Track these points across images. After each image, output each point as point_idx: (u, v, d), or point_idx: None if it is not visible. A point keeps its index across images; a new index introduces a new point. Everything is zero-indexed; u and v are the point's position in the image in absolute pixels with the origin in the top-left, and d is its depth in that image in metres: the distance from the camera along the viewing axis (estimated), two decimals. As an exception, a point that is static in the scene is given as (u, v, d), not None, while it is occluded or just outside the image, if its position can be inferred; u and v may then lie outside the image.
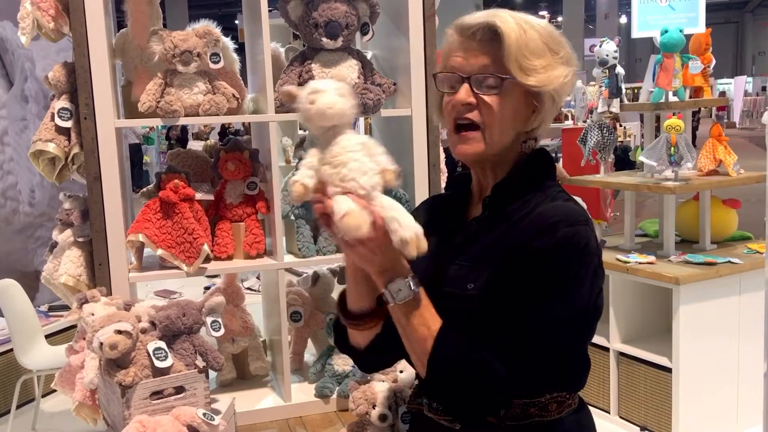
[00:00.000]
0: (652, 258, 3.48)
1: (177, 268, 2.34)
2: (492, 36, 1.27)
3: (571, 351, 1.31)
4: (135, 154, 11.78)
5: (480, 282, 1.26)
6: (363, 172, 1.21)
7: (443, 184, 2.52)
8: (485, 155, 1.32)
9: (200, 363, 2.06)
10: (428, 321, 1.24)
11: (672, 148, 3.44)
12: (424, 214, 1.48)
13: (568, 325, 1.26)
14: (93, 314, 2.05)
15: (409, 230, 1.17)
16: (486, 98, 1.28)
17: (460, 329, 1.25)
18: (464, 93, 1.28)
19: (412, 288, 1.22)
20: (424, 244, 1.17)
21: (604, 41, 4.08)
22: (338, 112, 1.24)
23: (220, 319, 2.25)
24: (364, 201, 1.19)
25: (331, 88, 1.26)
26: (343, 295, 1.38)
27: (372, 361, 1.45)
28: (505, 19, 1.26)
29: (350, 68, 2.45)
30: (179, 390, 1.94)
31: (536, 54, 1.26)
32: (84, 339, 2.08)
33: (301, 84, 2.43)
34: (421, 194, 2.48)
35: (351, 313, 1.34)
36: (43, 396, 3.83)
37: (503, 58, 1.26)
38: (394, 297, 1.22)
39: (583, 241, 1.24)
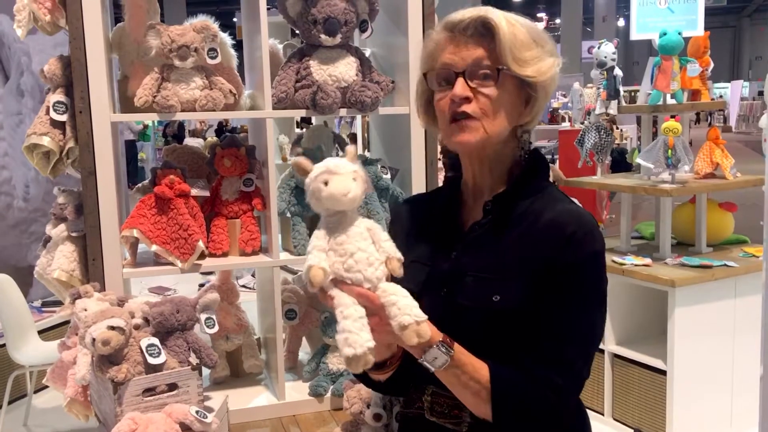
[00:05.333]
0: (648, 260, 3.47)
1: (171, 264, 2.33)
2: (483, 30, 1.28)
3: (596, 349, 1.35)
4: (130, 150, 11.74)
5: (508, 294, 1.26)
6: (369, 264, 1.18)
7: (440, 183, 2.51)
8: (485, 145, 1.31)
9: (194, 360, 2.04)
10: (475, 374, 1.23)
11: (669, 151, 3.44)
12: (409, 220, 1.47)
13: (598, 322, 1.30)
14: (86, 310, 2.03)
15: (407, 317, 1.15)
16: (483, 90, 1.28)
17: (479, 341, 1.26)
18: (460, 87, 1.28)
19: (446, 353, 1.21)
20: (424, 331, 1.15)
21: (602, 43, 4.07)
22: (351, 200, 1.18)
23: (214, 317, 2.24)
24: (367, 292, 1.17)
25: (347, 171, 1.19)
26: None
27: (394, 389, 1.45)
28: (495, 14, 1.28)
29: (348, 65, 2.44)
30: (172, 387, 1.93)
31: (526, 46, 1.28)
32: (77, 335, 2.06)
33: (298, 80, 2.42)
34: (419, 192, 2.47)
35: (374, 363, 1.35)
36: (35, 392, 3.81)
37: (496, 50, 1.27)
38: (432, 365, 1.21)
39: (599, 244, 1.29)
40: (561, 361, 1.24)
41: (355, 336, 1.14)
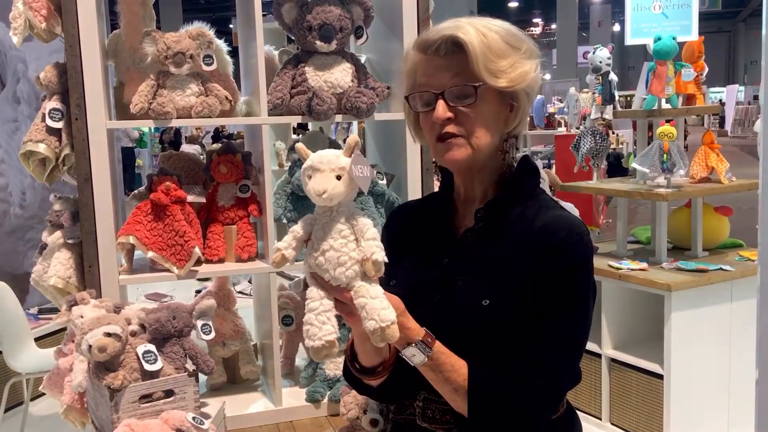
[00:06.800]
0: (644, 265, 3.48)
1: (168, 270, 2.33)
2: (455, 48, 1.28)
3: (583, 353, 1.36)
4: (127, 157, 11.74)
5: (497, 298, 1.27)
6: (339, 264, 1.17)
7: (436, 189, 2.51)
8: (473, 160, 1.32)
9: (190, 366, 2.04)
10: (453, 373, 1.25)
11: (665, 155, 3.45)
12: (403, 226, 1.48)
13: (585, 330, 1.31)
14: (82, 317, 2.03)
15: (372, 322, 1.15)
16: (463, 109, 1.28)
17: (470, 345, 1.27)
18: (441, 109, 1.28)
19: (424, 351, 1.23)
20: (391, 334, 1.15)
21: (597, 48, 4.08)
22: (327, 198, 1.18)
23: (210, 323, 2.23)
24: (340, 293, 1.18)
25: (328, 168, 1.18)
26: (351, 347, 1.38)
27: (388, 396, 1.46)
28: (465, 29, 1.27)
29: (344, 71, 2.45)
30: (169, 393, 1.92)
31: (500, 55, 1.27)
32: (73, 342, 2.06)
33: (294, 86, 2.43)
34: (414, 197, 2.48)
35: (363, 367, 1.36)
36: (32, 399, 3.79)
37: (470, 66, 1.26)
38: (411, 361, 1.24)
39: (589, 249, 1.30)
40: (546, 366, 1.25)
41: (315, 329, 1.18)
